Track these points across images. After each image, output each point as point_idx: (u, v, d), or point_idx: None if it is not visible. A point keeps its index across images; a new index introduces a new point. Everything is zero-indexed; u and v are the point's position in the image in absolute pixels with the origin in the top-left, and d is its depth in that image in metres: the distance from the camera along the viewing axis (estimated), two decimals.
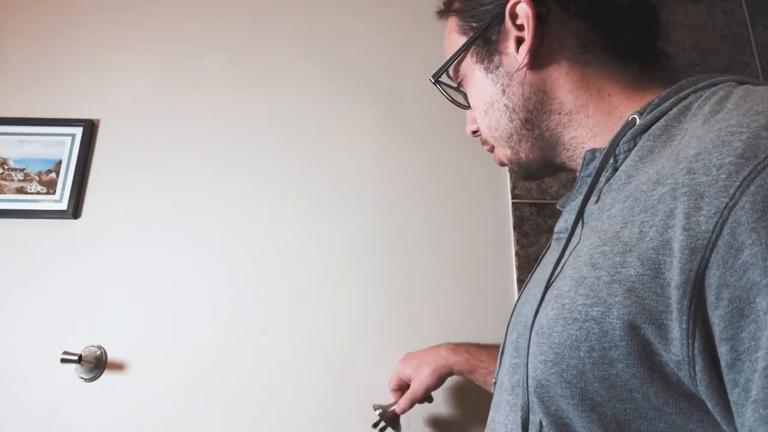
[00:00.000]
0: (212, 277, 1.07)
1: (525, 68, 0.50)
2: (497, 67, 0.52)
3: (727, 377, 0.31)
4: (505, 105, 0.52)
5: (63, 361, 0.94)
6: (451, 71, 0.58)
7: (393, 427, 0.90)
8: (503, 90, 0.52)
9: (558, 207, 0.57)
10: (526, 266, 1.09)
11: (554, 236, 0.54)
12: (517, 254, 1.10)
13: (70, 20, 1.23)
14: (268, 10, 1.26)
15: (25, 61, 1.19)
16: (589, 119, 0.49)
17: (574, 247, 0.43)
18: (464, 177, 1.16)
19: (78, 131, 1.13)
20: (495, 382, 0.56)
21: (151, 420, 0.98)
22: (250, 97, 1.19)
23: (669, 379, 0.34)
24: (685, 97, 0.41)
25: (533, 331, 0.42)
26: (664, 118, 0.41)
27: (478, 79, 0.54)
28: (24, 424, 0.96)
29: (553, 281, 0.43)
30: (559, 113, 0.50)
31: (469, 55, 0.55)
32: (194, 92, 1.19)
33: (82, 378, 0.99)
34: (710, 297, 0.31)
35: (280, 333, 1.04)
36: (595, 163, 0.46)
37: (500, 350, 0.57)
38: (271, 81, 1.21)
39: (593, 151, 0.47)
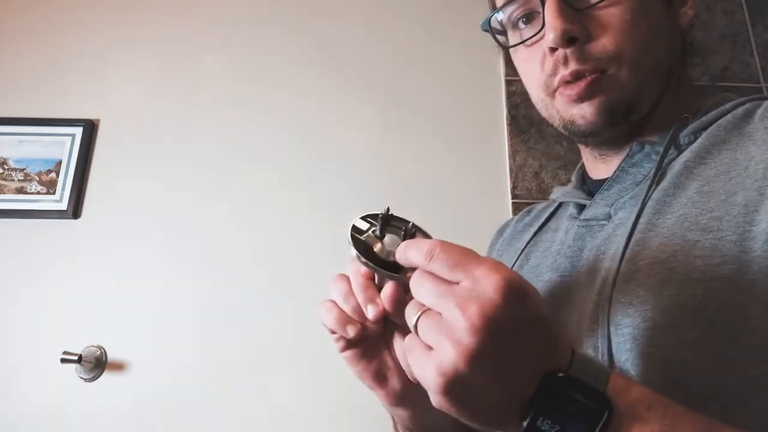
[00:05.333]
0: (212, 277, 1.07)
1: (689, 22, 0.52)
2: (673, 7, 0.53)
3: None
4: (665, 43, 0.51)
5: (63, 361, 0.94)
6: None
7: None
8: (669, 30, 0.51)
9: (558, 200, 0.57)
10: None
11: (579, 223, 0.51)
12: None
13: (71, 20, 1.22)
14: (267, 10, 1.26)
15: (25, 61, 1.19)
16: (678, 98, 0.52)
17: (644, 226, 0.44)
18: (464, 177, 1.16)
19: (78, 131, 1.13)
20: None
21: (150, 420, 0.98)
22: (249, 97, 1.19)
23: None
24: (743, 104, 0.47)
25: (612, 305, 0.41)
26: (730, 114, 0.46)
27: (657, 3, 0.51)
28: (24, 423, 0.96)
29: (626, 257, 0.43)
30: (679, 78, 0.53)
31: None
32: (194, 92, 1.19)
33: (82, 378, 0.99)
34: None
35: (281, 333, 1.04)
36: (641, 156, 0.49)
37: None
38: (271, 81, 1.21)
39: (642, 144, 0.49)
